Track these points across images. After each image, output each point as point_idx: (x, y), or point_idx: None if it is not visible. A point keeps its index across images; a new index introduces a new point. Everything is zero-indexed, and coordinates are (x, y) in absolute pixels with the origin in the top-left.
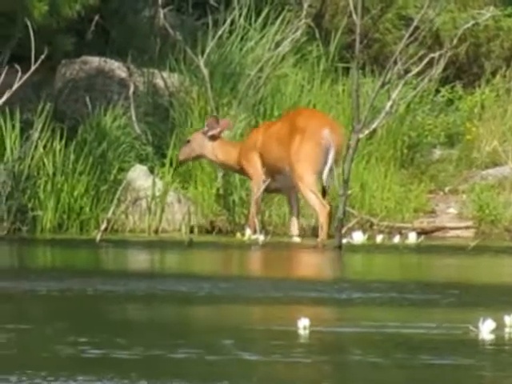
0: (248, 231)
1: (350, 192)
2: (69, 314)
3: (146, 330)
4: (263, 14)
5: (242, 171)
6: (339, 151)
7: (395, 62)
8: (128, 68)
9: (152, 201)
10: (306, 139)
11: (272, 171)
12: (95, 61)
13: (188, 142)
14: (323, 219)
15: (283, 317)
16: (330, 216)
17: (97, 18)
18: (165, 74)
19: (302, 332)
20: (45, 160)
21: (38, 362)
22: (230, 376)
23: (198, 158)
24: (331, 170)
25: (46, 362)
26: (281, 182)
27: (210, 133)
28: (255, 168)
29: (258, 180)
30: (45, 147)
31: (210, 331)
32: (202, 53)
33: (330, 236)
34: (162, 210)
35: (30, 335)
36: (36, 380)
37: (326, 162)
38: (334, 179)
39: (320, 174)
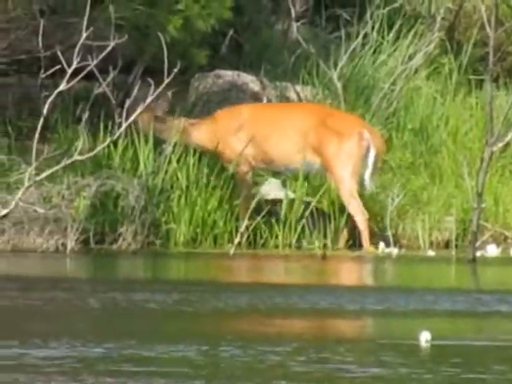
0: (381, 244)
1: (483, 205)
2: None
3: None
4: (396, 27)
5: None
6: (379, 153)
7: None
8: (261, 81)
9: (285, 214)
10: (344, 140)
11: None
12: (228, 74)
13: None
14: (363, 227)
15: (412, 329)
16: (369, 223)
17: (231, 32)
18: (298, 88)
19: (423, 345)
20: (178, 174)
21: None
22: None
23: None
24: (373, 173)
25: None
26: None
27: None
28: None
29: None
30: (178, 161)
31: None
32: (335, 66)
33: (463, 249)
34: (296, 224)
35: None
36: None
37: (366, 166)
38: (375, 183)
39: (360, 177)
